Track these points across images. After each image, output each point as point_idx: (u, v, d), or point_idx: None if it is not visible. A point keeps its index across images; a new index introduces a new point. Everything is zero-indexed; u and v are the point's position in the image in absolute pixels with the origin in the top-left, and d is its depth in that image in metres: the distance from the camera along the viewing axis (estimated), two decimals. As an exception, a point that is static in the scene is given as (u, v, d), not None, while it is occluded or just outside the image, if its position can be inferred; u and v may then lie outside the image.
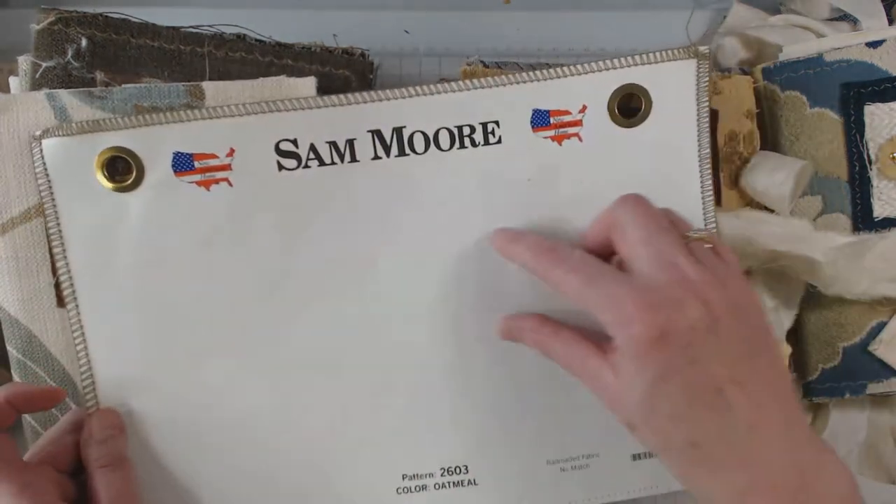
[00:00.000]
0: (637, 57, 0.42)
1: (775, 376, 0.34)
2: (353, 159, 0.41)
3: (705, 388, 0.32)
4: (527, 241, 0.39)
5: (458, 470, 0.44)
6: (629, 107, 0.43)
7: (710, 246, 0.36)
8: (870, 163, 0.45)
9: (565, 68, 0.42)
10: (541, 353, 0.39)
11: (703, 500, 0.34)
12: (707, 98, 0.42)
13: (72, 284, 0.41)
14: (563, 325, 0.39)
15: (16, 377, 0.42)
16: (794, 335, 0.49)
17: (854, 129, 0.45)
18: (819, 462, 0.33)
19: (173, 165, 0.40)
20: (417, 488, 0.44)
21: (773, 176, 0.45)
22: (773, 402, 0.33)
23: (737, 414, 0.32)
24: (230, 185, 0.41)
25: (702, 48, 0.42)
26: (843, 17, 0.48)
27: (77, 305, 0.41)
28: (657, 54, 0.42)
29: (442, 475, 0.44)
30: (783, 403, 0.34)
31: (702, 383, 0.32)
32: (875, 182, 0.45)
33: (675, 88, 0.42)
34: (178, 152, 0.40)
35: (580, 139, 0.42)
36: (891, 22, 0.46)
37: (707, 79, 0.42)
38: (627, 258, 0.36)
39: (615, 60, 0.42)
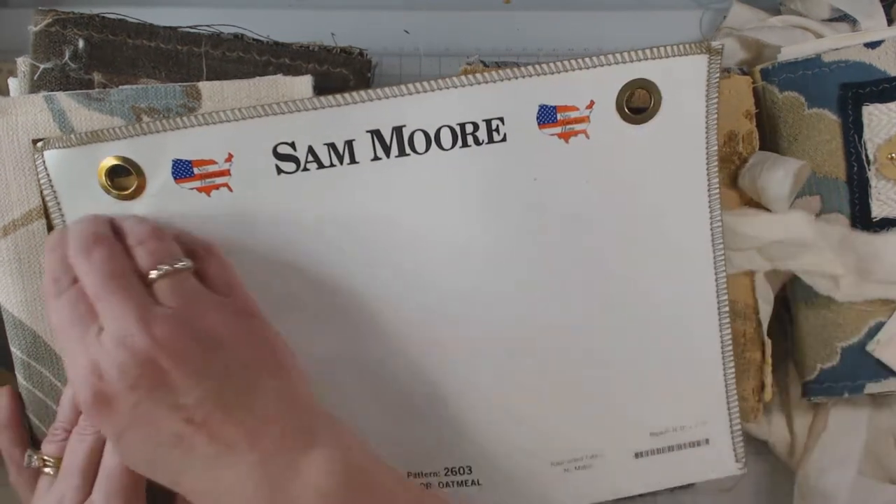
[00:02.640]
0: (648, 51, 0.40)
1: (259, 395, 0.35)
2: (353, 161, 0.41)
3: (165, 437, 0.34)
4: (48, 254, 0.37)
5: (461, 470, 0.44)
6: (638, 102, 0.42)
7: (181, 278, 0.36)
8: (868, 163, 0.45)
9: (573, 61, 0.40)
10: None
11: None
12: (717, 95, 0.41)
13: None
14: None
15: (20, 378, 0.42)
16: (791, 334, 0.50)
17: (852, 130, 0.45)
18: (295, 464, 0.34)
19: (173, 172, 0.40)
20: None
21: (771, 175, 0.45)
22: (245, 424, 0.34)
23: (200, 451, 0.33)
24: (230, 190, 0.41)
25: (714, 44, 0.41)
26: (842, 17, 0.48)
27: None
28: (669, 48, 0.40)
29: (446, 475, 0.44)
30: (261, 418, 0.34)
31: (159, 432, 0.34)
32: (873, 182, 0.45)
33: (685, 84, 0.41)
34: (178, 159, 0.40)
35: (587, 136, 0.41)
36: (890, 22, 0.46)
37: (717, 75, 0.41)
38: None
39: (625, 54, 0.40)
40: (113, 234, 0.37)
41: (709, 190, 0.43)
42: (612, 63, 0.40)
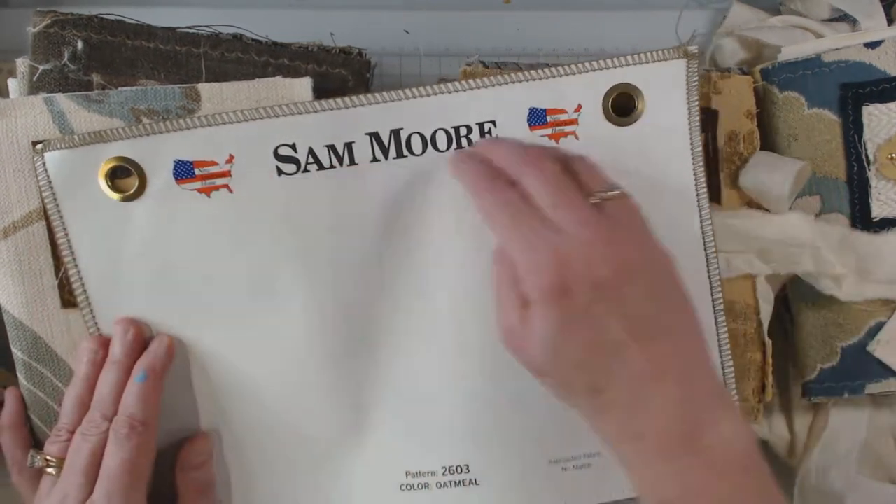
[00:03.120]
0: (629, 57, 0.42)
1: (682, 331, 0.36)
2: (352, 162, 0.41)
3: (605, 341, 0.35)
4: (473, 164, 0.40)
5: (459, 469, 0.44)
6: (624, 105, 0.43)
7: (623, 204, 0.38)
8: (868, 163, 0.45)
9: (560, 68, 0.42)
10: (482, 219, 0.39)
11: (604, 442, 0.37)
12: (697, 96, 0.43)
13: (84, 290, 0.41)
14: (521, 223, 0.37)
15: (22, 379, 0.42)
16: (792, 334, 0.50)
17: (852, 130, 0.45)
18: (716, 417, 0.35)
19: (174, 173, 0.41)
20: (420, 486, 0.44)
21: (771, 175, 0.45)
22: (674, 358, 0.35)
23: (635, 367, 0.35)
24: (230, 191, 0.41)
25: (690, 48, 0.42)
26: (842, 17, 0.48)
27: (91, 311, 0.41)
28: (648, 54, 0.42)
29: (444, 474, 0.44)
30: (686, 359, 0.36)
31: (602, 336, 0.35)
32: (873, 182, 0.45)
33: (666, 87, 0.43)
34: (179, 160, 0.40)
35: (577, 137, 0.43)
36: (890, 22, 0.46)
37: (696, 78, 0.43)
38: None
39: (608, 60, 0.42)
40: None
41: (696, 189, 0.44)
42: (597, 69, 0.42)
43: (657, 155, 0.43)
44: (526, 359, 0.37)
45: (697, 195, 0.44)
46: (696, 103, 0.43)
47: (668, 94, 0.43)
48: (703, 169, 0.44)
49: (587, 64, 0.42)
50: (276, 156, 0.41)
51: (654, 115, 0.43)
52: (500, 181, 0.38)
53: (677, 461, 0.35)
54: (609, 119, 0.43)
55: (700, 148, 0.43)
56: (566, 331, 0.35)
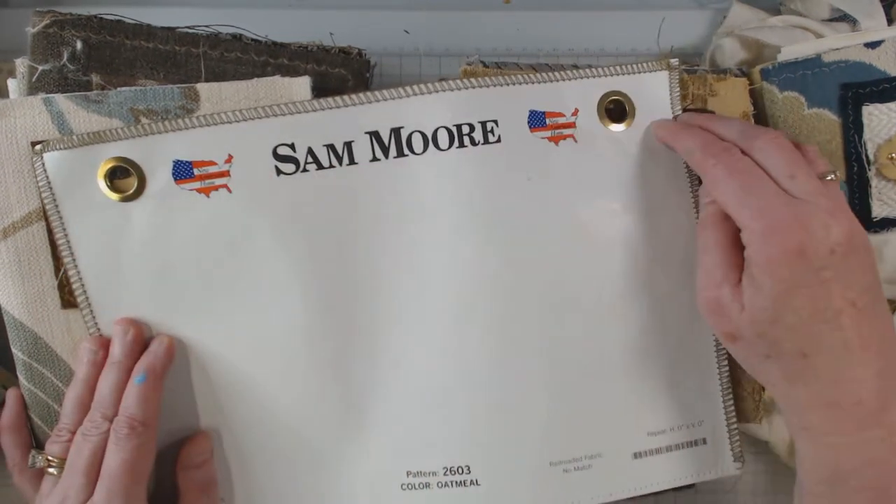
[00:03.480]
0: (618, 67, 0.45)
1: (883, 311, 0.38)
2: (352, 162, 0.41)
3: (827, 307, 0.36)
4: (698, 133, 0.42)
5: (460, 470, 0.44)
6: (619, 110, 0.45)
7: (838, 186, 0.40)
8: (868, 163, 0.45)
9: (557, 73, 0.44)
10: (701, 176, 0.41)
11: (788, 404, 0.38)
12: (680, 105, 0.45)
13: (84, 291, 0.41)
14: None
15: (22, 379, 0.42)
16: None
17: (852, 130, 0.45)
18: None
19: (173, 173, 0.41)
20: (421, 486, 0.44)
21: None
22: (877, 332, 0.37)
23: (846, 335, 0.36)
24: (229, 191, 0.41)
25: (672, 61, 0.45)
26: (842, 17, 0.48)
27: (91, 311, 0.41)
28: (634, 66, 0.45)
29: (444, 474, 0.44)
30: (884, 335, 0.37)
31: (825, 302, 0.36)
32: (873, 182, 0.45)
33: (652, 96, 0.45)
34: (178, 160, 0.41)
35: (575, 140, 0.44)
36: (890, 22, 0.46)
37: (678, 88, 0.45)
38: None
39: (600, 69, 0.44)
40: None
41: (691, 189, 0.45)
42: (591, 76, 0.44)
43: (650, 156, 0.44)
44: (732, 320, 0.38)
45: (692, 194, 0.45)
46: (681, 110, 0.45)
47: (655, 101, 0.45)
48: (690, 173, 0.45)
49: (582, 70, 0.44)
50: (275, 155, 0.41)
51: (644, 121, 0.45)
52: (733, 148, 0.39)
53: (864, 433, 0.36)
54: (604, 123, 0.44)
55: None
56: (795, 292, 0.36)
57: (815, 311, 0.36)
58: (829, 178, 0.39)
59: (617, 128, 0.44)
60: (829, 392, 0.37)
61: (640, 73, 0.45)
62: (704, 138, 0.41)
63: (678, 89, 0.45)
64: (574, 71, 0.44)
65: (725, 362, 0.46)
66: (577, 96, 0.44)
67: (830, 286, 0.36)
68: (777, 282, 0.36)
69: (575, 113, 0.44)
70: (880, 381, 0.36)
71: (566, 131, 0.43)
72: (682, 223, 0.45)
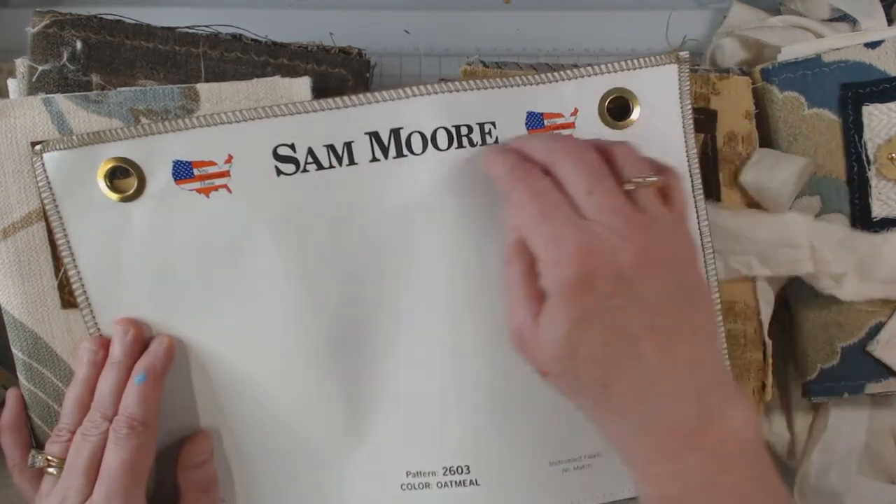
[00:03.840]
0: (623, 62, 0.43)
1: (699, 324, 0.36)
2: (352, 162, 0.41)
3: (622, 335, 0.34)
4: (504, 155, 0.39)
5: (459, 470, 0.44)
6: (620, 109, 0.44)
7: (657, 189, 0.37)
8: (868, 163, 0.45)
9: (556, 73, 0.43)
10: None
11: (609, 438, 0.37)
12: (689, 100, 0.43)
13: (84, 291, 0.41)
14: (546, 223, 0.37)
15: (22, 379, 0.42)
16: (791, 335, 0.50)
17: (852, 130, 0.45)
18: (723, 408, 0.35)
19: (173, 174, 0.41)
20: (420, 486, 0.44)
21: (774, 173, 0.45)
22: (689, 351, 0.35)
23: (647, 361, 0.34)
24: (229, 191, 0.41)
25: (682, 54, 0.43)
26: (842, 17, 0.48)
27: (91, 311, 0.41)
28: (641, 60, 0.43)
29: (444, 474, 0.44)
30: (700, 351, 0.36)
31: (619, 330, 0.34)
32: (873, 182, 0.45)
33: (659, 92, 0.43)
34: (178, 160, 0.40)
35: None
36: (890, 22, 0.46)
37: (688, 83, 0.43)
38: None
39: (602, 66, 0.43)
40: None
41: (693, 191, 0.44)
42: (592, 74, 0.43)
43: (652, 156, 0.42)
44: (536, 356, 0.36)
45: (694, 196, 0.44)
46: (689, 106, 0.43)
47: (661, 98, 0.43)
48: (698, 170, 0.44)
49: (583, 69, 0.43)
50: (275, 156, 0.41)
51: (649, 119, 0.43)
52: (534, 170, 0.37)
53: (682, 457, 0.35)
54: (605, 123, 0.43)
55: (694, 150, 0.44)
56: (585, 323, 0.34)
57: (610, 340, 0.34)
58: (649, 179, 0.37)
59: (619, 127, 0.43)
60: (642, 422, 0.35)
61: (645, 67, 0.43)
62: (512, 160, 0.38)
63: (688, 84, 0.44)
64: (574, 70, 0.43)
65: (727, 363, 0.46)
66: (576, 96, 0.43)
67: (623, 314, 0.34)
68: (567, 314, 0.34)
69: (574, 113, 0.43)
70: (691, 404, 0.35)
71: (565, 132, 0.43)
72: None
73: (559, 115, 0.43)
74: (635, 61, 0.43)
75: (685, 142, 0.44)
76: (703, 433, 0.34)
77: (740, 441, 0.35)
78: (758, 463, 0.35)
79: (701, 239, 0.44)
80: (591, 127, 0.43)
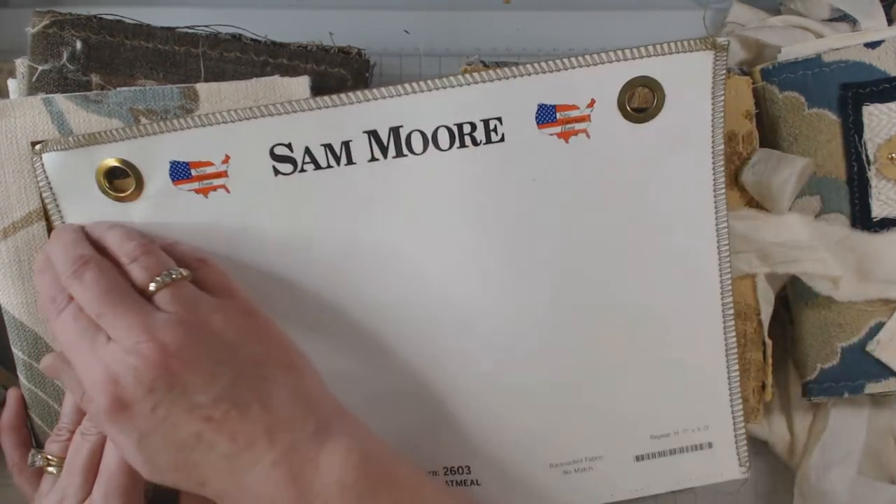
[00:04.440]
0: (651, 48, 0.40)
1: (269, 391, 0.35)
2: (350, 161, 0.41)
3: (183, 437, 0.34)
4: (43, 278, 0.38)
5: (460, 470, 0.44)
6: (641, 101, 0.41)
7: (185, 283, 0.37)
8: (868, 163, 0.45)
9: (573, 59, 0.40)
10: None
11: None
12: (723, 93, 0.41)
13: None
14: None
15: (23, 379, 0.43)
16: (791, 334, 0.49)
17: (852, 130, 0.45)
18: (315, 458, 0.35)
19: (171, 174, 0.40)
20: None
21: (775, 172, 0.44)
22: (259, 425, 0.34)
23: (221, 450, 0.34)
24: (227, 191, 0.41)
25: (720, 40, 0.40)
26: (842, 17, 0.48)
27: None
28: (673, 45, 0.40)
29: (444, 474, 0.44)
30: (276, 410, 0.35)
31: (179, 433, 0.34)
32: (874, 182, 0.45)
33: (689, 82, 0.40)
34: (175, 161, 0.40)
35: (588, 135, 0.41)
36: (890, 22, 0.46)
37: (724, 72, 0.40)
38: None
39: (627, 51, 0.40)
40: (96, 250, 0.38)
41: (714, 190, 0.42)
42: (614, 60, 0.40)
43: (674, 154, 0.42)
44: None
45: (715, 197, 0.42)
46: (722, 99, 0.41)
47: (690, 89, 0.40)
48: (723, 170, 0.42)
49: (603, 55, 0.40)
50: (272, 155, 0.41)
51: (674, 112, 0.41)
52: (62, 297, 0.36)
53: None
54: (625, 115, 0.40)
55: (722, 147, 0.41)
56: (142, 444, 0.34)
57: (176, 447, 0.34)
58: (165, 280, 0.36)
59: (639, 121, 0.41)
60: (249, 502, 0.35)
61: (675, 53, 0.40)
62: (44, 288, 0.37)
63: (723, 74, 0.40)
64: (592, 56, 0.39)
65: (735, 366, 0.45)
66: (594, 85, 0.40)
67: (172, 418, 0.34)
68: (122, 439, 0.34)
69: (591, 104, 0.40)
70: (285, 465, 0.34)
71: (578, 126, 0.41)
72: (699, 228, 0.43)
73: (574, 108, 0.40)
74: (664, 46, 0.39)
75: (712, 139, 0.41)
76: (304, 492, 0.34)
77: (339, 484, 0.34)
78: (378, 488, 0.35)
79: (718, 242, 0.43)
80: (609, 120, 0.40)
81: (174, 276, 0.36)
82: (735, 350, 0.44)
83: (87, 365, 0.35)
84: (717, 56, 0.40)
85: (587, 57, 0.40)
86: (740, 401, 0.45)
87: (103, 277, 0.36)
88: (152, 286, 0.36)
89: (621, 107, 0.40)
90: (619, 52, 0.40)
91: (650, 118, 0.41)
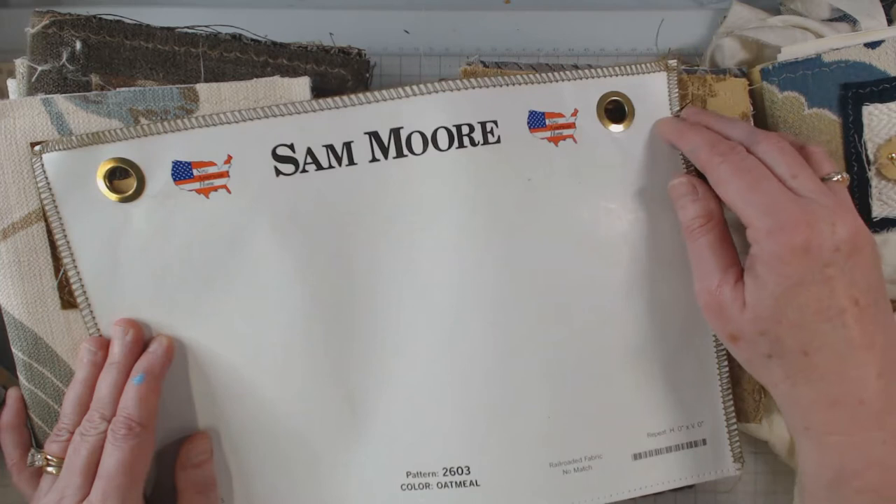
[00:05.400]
0: (617, 68, 0.45)
1: (886, 310, 0.38)
2: (351, 162, 0.41)
3: (830, 305, 0.36)
4: (703, 132, 0.42)
5: (459, 470, 0.44)
6: (619, 110, 0.45)
7: (843, 187, 0.39)
8: (868, 163, 0.45)
9: (556, 73, 0.44)
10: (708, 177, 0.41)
11: (792, 405, 0.38)
12: (679, 106, 0.45)
13: (84, 291, 0.41)
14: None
15: (22, 379, 0.43)
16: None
17: (852, 130, 0.45)
18: None
19: (173, 174, 0.41)
20: (420, 486, 0.44)
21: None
22: (880, 332, 0.37)
23: (850, 333, 0.36)
24: (228, 192, 0.41)
25: (671, 62, 0.45)
26: (842, 17, 0.48)
27: (91, 311, 0.41)
28: (633, 66, 0.45)
29: (444, 475, 0.44)
30: (887, 335, 0.37)
31: (828, 300, 0.36)
32: (873, 182, 0.45)
33: (652, 96, 0.45)
34: (177, 161, 0.40)
35: (575, 140, 0.44)
36: (890, 22, 0.46)
37: (677, 89, 0.45)
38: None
39: (599, 69, 0.44)
40: None
41: None
42: (590, 77, 0.44)
43: (650, 156, 0.45)
44: (731, 320, 0.38)
45: None
46: (678, 109, 0.45)
47: (654, 102, 0.45)
48: (693, 169, 0.44)
49: (580, 71, 0.44)
50: (275, 156, 0.41)
51: (643, 121, 0.45)
52: (739, 147, 0.39)
53: (866, 433, 0.36)
54: (604, 124, 0.44)
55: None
56: (799, 289, 0.36)
57: (819, 308, 0.36)
58: (835, 178, 0.39)
59: (617, 128, 0.44)
60: (831, 391, 0.37)
61: (639, 73, 0.45)
62: (710, 137, 0.41)
63: (677, 90, 0.45)
64: (574, 71, 0.44)
65: (726, 363, 0.46)
66: (576, 96, 0.44)
67: (834, 284, 0.36)
68: (781, 278, 0.36)
69: (574, 113, 0.44)
70: (883, 381, 0.36)
71: (566, 132, 0.43)
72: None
73: (560, 115, 0.43)
74: (627, 68, 0.45)
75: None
76: (887, 413, 0.36)
77: None
78: None
79: None
80: (591, 127, 0.44)
81: (840, 176, 0.39)
82: (724, 347, 0.45)
83: (777, 204, 0.37)
84: (670, 76, 0.45)
85: (568, 72, 0.44)
86: (731, 397, 0.46)
87: (796, 151, 0.39)
88: (824, 176, 0.39)
89: (600, 116, 0.44)
90: (593, 70, 0.44)
91: (626, 126, 0.44)
